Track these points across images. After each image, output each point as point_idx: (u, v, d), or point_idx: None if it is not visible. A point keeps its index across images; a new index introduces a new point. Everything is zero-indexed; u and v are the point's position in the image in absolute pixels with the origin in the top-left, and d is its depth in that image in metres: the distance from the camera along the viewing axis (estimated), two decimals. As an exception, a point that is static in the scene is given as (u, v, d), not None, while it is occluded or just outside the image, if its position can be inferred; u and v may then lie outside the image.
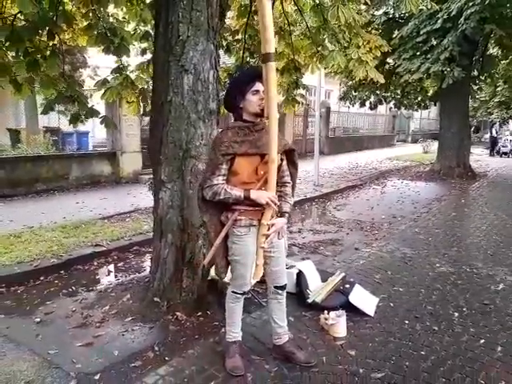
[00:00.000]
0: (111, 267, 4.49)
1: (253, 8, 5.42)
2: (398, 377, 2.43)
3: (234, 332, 2.56)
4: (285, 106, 6.33)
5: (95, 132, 14.18)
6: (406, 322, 3.11)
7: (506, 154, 17.65)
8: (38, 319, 3.19)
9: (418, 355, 2.66)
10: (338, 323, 2.89)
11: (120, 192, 8.54)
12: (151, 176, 9.21)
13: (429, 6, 4.91)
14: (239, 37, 5.59)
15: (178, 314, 3.13)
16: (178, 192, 3.23)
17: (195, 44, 3.07)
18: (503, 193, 9.15)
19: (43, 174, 8.39)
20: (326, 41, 5.69)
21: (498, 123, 21.10)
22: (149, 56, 4.76)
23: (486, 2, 7.68)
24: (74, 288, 3.83)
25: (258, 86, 2.22)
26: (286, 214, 2.41)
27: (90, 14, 4.35)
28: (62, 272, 4.18)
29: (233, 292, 2.49)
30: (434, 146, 17.80)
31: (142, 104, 5.30)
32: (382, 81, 4.89)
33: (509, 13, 8.54)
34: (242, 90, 2.26)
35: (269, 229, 2.28)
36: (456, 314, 3.24)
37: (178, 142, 3.16)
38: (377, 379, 2.41)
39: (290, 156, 2.47)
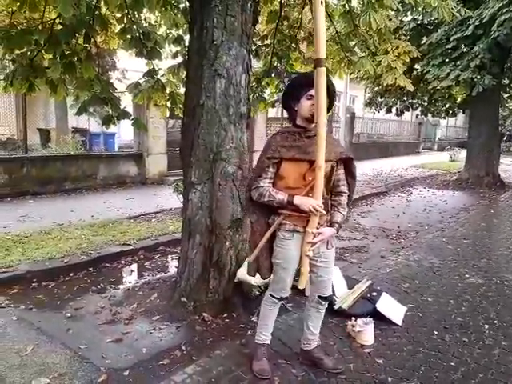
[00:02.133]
0: (138, 266, 4.57)
1: (282, 13, 5.49)
2: (428, 387, 2.39)
3: (265, 335, 2.56)
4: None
5: (121, 133, 14.51)
6: (435, 332, 3.06)
7: (536, 164, 17.12)
8: (69, 314, 3.28)
9: (448, 366, 2.61)
10: (365, 331, 2.86)
11: (146, 193, 8.69)
12: (176, 178, 9.33)
13: (462, 13, 4.83)
14: (268, 42, 5.64)
15: (204, 314, 3.16)
16: (207, 194, 3.27)
17: (228, 49, 3.11)
18: (534, 204, 8.87)
19: (72, 173, 8.62)
20: (355, 47, 5.70)
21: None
22: (180, 59, 4.84)
23: (521, 9, 7.50)
24: (102, 285, 3.92)
25: (313, 91, 2.17)
26: (336, 225, 2.34)
27: (125, 19, 4.46)
28: (91, 269, 4.28)
29: (270, 295, 2.48)
30: (461, 154, 17.44)
31: (170, 107, 5.40)
32: (411, 88, 4.85)
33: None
34: (297, 93, 2.28)
35: (314, 237, 2.24)
36: (486, 326, 3.16)
37: (208, 144, 3.20)
38: (406, 389, 2.37)
39: (348, 165, 2.41)
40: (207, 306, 3.22)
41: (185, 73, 4.86)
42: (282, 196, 2.24)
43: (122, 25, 4.51)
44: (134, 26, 4.49)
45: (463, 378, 2.48)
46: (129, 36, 4.48)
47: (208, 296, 3.25)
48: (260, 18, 5.66)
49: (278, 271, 2.40)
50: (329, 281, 2.48)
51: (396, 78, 4.52)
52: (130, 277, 4.26)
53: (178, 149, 11.70)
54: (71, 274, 4.11)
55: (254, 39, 5.55)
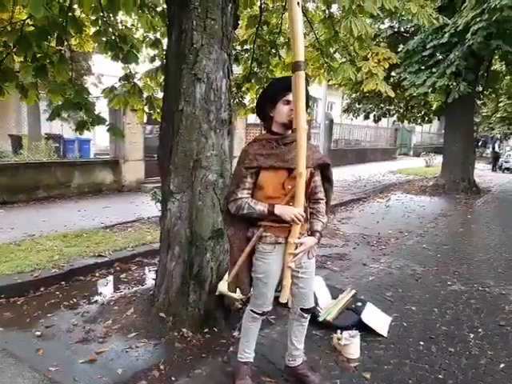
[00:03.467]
0: (114, 279, 4.37)
1: (262, 18, 5.42)
2: (418, 403, 2.32)
3: (247, 352, 2.44)
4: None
5: (96, 139, 14.15)
6: (421, 343, 3.00)
7: (508, 169, 17.62)
8: (39, 333, 3.07)
9: (436, 379, 2.55)
10: (351, 344, 2.78)
11: (122, 201, 8.44)
12: (154, 185, 9.12)
13: (440, 20, 4.87)
14: (247, 47, 5.57)
15: (183, 330, 3.02)
16: (186, 203, 3.13)
17: (209, 52, 3.00)
18: (509, 209, 9.07)
19: (44, 181, 8.29)
20: (336, 53, 5.68)
21: (499, 138, 21.12)
22: (157, 63, 4.70)
23: (493, 18, 7.68)
24: (75, 300, 3.71)
25: (290, 96, 2.11)
26: (317, 234, 2.26)
27: (100, 21, 4.30)
28: (63, 283, 4.06)
29: (251, 311, 2.37)
30: (436, 159, 17.83)
31: (146, 112, 5.25)
32: (392, 94, 4.84)
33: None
34: (273, 98, 2.18)
35: (296, 247, 2.14)
36: (471, 335, 3.13)
37: (188, 151, 3.07)
38: (395, 405, 2.29)
39: (325, 171, 2.33)
40: (187, 321, 3.07)
41: (163, 77, 4.74)
42: (262, 207, 2.13)
43: (97, 27, 4.34)
44: (110, 29, 4.33)
45: (452, 392, 2.42)
46: (104, 39, 4.32)
47: (188, 310, 3.10)
48: (240, 23, 5.59)
49: (259, 286, 2.28)
50: (310, 292, 2.39)
51: (377, 84, 4.49)
52: (105, 291, 4.05)
53: (155, 155, 11.52)
54: (42, 289, 3.88)
55: (234, 44, 5.47)
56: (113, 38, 4.30)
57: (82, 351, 2.81)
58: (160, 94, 5.25)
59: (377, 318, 3.23)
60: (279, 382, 2.48)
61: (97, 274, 4.37)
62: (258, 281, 2.27)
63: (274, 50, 5.63)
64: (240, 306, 3.35)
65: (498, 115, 19.80)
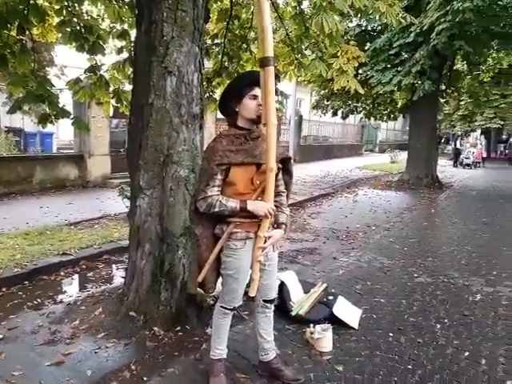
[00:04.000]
0: (80, 278, 4.23)
1: (233, 12, 5.37)
2: (388, 393, 2.37)
3: (219, 349, 2.41)
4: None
5: (60, 133, 13.65)
6: (391, 334, 3.08)
7: (468, 165, 18.37)
8: (1, 335, 2.92)
9: (406, 369, 2.62)
10: (324, 337, 2.81)
11: (87, 197, 8.19)
12: (121, 181, 8.90)
13: (408, 20, 4.99)
14: (218, 41, 5.50)
15: (155, 329, 2.95)
16: (157, 199, 3.06)
17: (180, 45, 2.94)
18: (470, 203, 9.45)
19: (4, 176, 7.92)
20: (306, 49, 5.70)
21: (460, 136, 21.98)
22: (125, 55, 4.56)
23: (456, 20, 7.95)
24: (39, 300, 3.56)
25: (257, 91, 2.10)
26: (283, 226, 2.29)
27: (64, 11, 4.12)
28: (26, 283, 3.89)
29: (222, 307, 2.35)
30: (401, 156, 18.34)
31: (112, 105, 5.11)
32: (362, 91, 4.92)
33: (476, 31, 8.89)
34: (240, 93, 2.15)
35: (265, 241, 2.15)
36: (438, 326, 3.24)
37: (159, 146, 3.00)
38: (367, 396, 2.34)
39: (286, 165, 2.36)
40: (158, 320, 3.01)
41: (131, 69, 4.61)
42: (233, 203, 2.11)
43: (62, 17, 4.16)
44: (75, 19, 4.17)
45: (421, 381, 2.49)
46: (68, 29, 4.15)
47: (159, 309, 3.04)
48: (210, 16, 5.51)
49: (229, 282, 2.27)
50: (273, 283, 2.41)
51: (348, 81, 4.54)
52: (71, 290, 3.92)
53: (122, 150, 11.23)
54: (3, 289, 3.70)
55: (204, 38, 5.39)
56: (78, 28, 4.13)
57: (48, 353, 2.70)
58: (128, 87, 5.11)
59: (348, 311, 3.28)
60: (253, 378, 2.47)
61: (62, 273, 4.21)
62: (229, 277, 2.25)
63: (244, 45, 5.60)
64: (212, 302, 3.32)
65: (460, 113, 20.63)
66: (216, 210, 2.12)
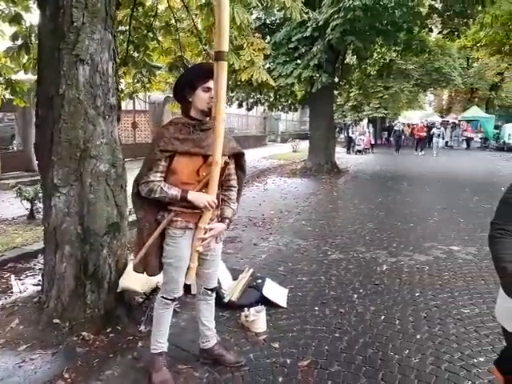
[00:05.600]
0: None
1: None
2: (322, 361, 2.58)
3: (160, 342, 2.38)
4: (171, 104, 6.18)
5: None
6: (316, 308, 3.32)
7: (359, 151, 20.08)
8: None
9: (334, 338, 2.87)
10: (258, 319, 2.93)
11: (-26, 202, 7.24)
12: (14, 181, 8.05)
13: (310, 15, 5.29)
14: (122, 28, 5.24)
15: (83, 333, 2.79)
16: (75, 197, 2.86)
17: (92, 32, 2.76)
18: (365, 185, 10.42)
19: None
20: (212, 40, 5.72)
21: (351, 124, 23.92)
22: (20, 42, 4.11)
23: (348, 17, 8.61)
24: None
25: (210, 83, 2.11)
26: (227, 220, 2.31)
27: None
28: None
29: (162, 297, 2.32)
30: (301, 145, 19.40)
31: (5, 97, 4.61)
32: (273, 83, 5.12)
33: (364, 27, 9.74)
34: (193, 84, 2.15)
35: (205, 232, 2.17)
36: (355, 296, 3.58)
37: (74, 140, 2.80)
38: (304, 367, 2.51)
39: (239, 160, 2.39)
40: (86, 324, 2.85)
41: (26, 57, 4.20)
42: (175, 192, 2.11)
43: None
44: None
45: (349, 347, 2.75)
46: None
47: (86, 312, 2.87)
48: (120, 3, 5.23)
49: (169, 271, 2.27)
50: (214, 273, 2.47)
51: (260, 73, 4.69)
52: (-25, 305, 3.49)
53: (11, 147, 10.08)
54: None
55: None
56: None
57: (-40, 378, 2.40)
58: (23, 77, 4.64)
59: (276, 292, 3.45)
60: (196, 367, 2.49)
61: (-41, 289, 3.72)
62: (169, 266, 2.25)
63: (150, 34, 5.41)
64: (141, 299, 3.24)
65: (350, 104, 22.42)
66: (157, 195, 2.12)
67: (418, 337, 2.88)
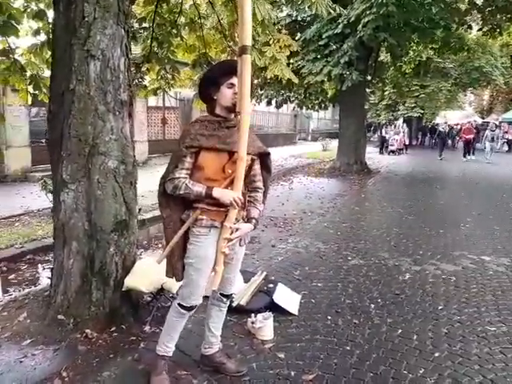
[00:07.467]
0: (1, 281, 3.85)
1: (161, -5, 5.12)
2: (329, 376, 2.42)
3: (168, 346, 2.29)
4: (196, 101, 6.13)
5: (-29, 124, 12.34)
6: (329, 317, 3.16)
7: (393, 152, 19.50)
8: None
9: (344, 351, 2.70)
10: (265, 326, 2.81)
11: (6, 192, 7.51)
12: (43, 174, 8.27)
13: (337, 11, 5.09)
14: (146, 25, 5.23)
15: (87, 331, 2.76)
16: (83, 193, 2.83)
17: (103, 27, 2.72)
18: (396, 187, 10.05)
19: None
20: (236, 36, 5.62)
21: (385, 124, 23.28)
22: (43, 37, 4.16)
23: (381, 12, 8.30)
24: (-49, 310, 3.18)
25: (234, 79, 2.05)
26: (254, 221, 2.21)
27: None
28: None
29: (178, 305, 2.21)
30: (332, 144, 19.03)
31: (32, 92, 4.67)
32: (296, 80, 4.96)
33: (398, 24, 9.38)
34: (217, 81, 2.11)
35: (232, 233, 2.07)
36: (372, 306, 3.38)
37: (83, 136, 2.77)
38: (309, 381, 2.37)
39: (265, 160, 2.31)
40: (90, 322, 2.82)
41: (49, 53, 4.23)
42: (199, 188, 2.05)
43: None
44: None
45: (359, 361, 2.57)
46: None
47: (91, 310, 2.85)
48: (136, -2, 5.21)
49: (189, 272, 2.15)
50: (234, 278, 2.36)
51: (282, 70, 4.55)
52: (-10, 295, 3.56)
53: (44, 140, 10.39)
54: None
55: (132, 21, 5.09)
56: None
57: (-38, 370, 2.41)
58: (48, 73, 4.70)
59: (288, 298, 3.32)
60: (195, 374, 2.40)
61: (-22, 278, 3.81)
62: (189, 266, 2.15)
63: (174, 30, 5.37)
64: (149, 299, 3.19)
65: (384, 103, 21.81)
66: (181, 192, 2.06)
67: (437, 355, 2.67)
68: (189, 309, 2.21)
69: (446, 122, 21.73)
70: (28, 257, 4.38)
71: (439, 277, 4.08)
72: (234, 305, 3.14)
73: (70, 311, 2.85)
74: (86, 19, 2.67)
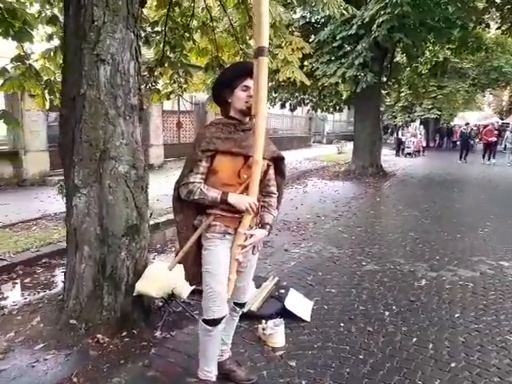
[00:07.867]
0: (16, 284, 3.90)
1: (174, -1, 5.14)
2: (341, 385, 2.36)
3: (207, 370, 2.22)
4: (209, 104, 6.14)
5: (-9, 129, 12.62)
6: (342, 324, 3.09)
7: (409, 154, 19.22)
8: None
9: (357, 359, 2.63)
10: (276, 333, 2.76)
11: (24, 196, 7.64)
12: (61, 178, 8.37)
13: (350, 11, 5.03)
14: (158, 28, 5.26)
15: (98, 336, 2.76)
16: (95, 198, 2.85)
17: (113, 31, 2.73)
18: (412, 190, 9.87)
19: None
20: (251, 39, 5.60)
21: (402, 126, 22.94)
22: (56, 42, 4.22)
23: (395, 12, 8.18)
24: (-34, 313, 3.23)
25: (249, 82, 2.01)
26: (268, 226, 2.17)
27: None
28: (-49, 294, 3.53)
29: (203, 321, 2.12)
30: (347, 146, 18.84)
31: (48, 97, 4.74)
32: (308, 82, 4.92)
33: (414, 24, 9.23)
34: (231, 84, 2.06)
35: (246, 239, 2.02)
36: (387, 313, 3.30)
37: (94, 141, 2.78)
38: (320, 390, 2.31)
39: (279, 164, 2.26)
40: (102, 326, 2.82)
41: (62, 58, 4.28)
42: (215, 194, 2.00)
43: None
44: (-4, 2, 3.77)
45: (372, 371, 2.50)
46: (-12, 12, 3.75)
47: (102, 315, 2.85)
48: (149, 2, 5.25)
49: (206, 280, 2.08)
50: (247, 286, 2.32)
51: (293, 72, 4.51)
52: (6, 299, 3.60)
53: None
54: None
55: (144, 25, 5.12)
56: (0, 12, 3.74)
57: (-24, 374, 2.43)
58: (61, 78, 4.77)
59: (299, 304, 3.26)
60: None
61: (-6, 281, 3.87)
62: (206, 274, 2.08)
63: (187, 34, 5.39)
64: (161, 303, 3.18)
65: (400, 104, 21.53)
66: (196, 197, 2.02)
67: (453, 365, 2.58)
68: (213, 323, 2.10)
69: (467, 123, 20.43)
70: (44, 260, 4.42)
71: (456, 283, 3.97)
72: (244, 311, 3.10)
73: (82, 316, 2.86)
74: (96, 23, 2.68)
